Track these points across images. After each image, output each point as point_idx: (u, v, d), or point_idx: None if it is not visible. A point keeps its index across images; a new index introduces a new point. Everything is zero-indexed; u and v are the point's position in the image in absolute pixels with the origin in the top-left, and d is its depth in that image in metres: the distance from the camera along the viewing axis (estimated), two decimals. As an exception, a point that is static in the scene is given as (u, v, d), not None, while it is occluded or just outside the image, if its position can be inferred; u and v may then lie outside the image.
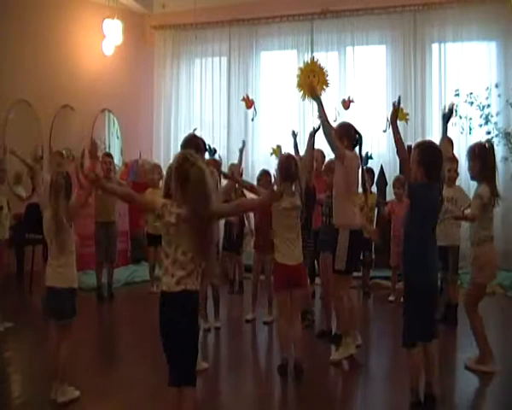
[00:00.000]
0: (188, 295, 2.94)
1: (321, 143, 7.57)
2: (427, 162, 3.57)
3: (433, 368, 3.66)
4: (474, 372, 4.37)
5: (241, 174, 6.30)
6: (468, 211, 4.66)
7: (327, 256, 5.20)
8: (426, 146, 3.79)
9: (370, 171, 7.30)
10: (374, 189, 7.84)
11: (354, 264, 4.81)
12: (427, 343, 3.62)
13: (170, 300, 2.95)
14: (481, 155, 4.34)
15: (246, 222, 7.29)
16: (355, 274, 5.41)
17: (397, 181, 6.92)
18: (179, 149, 4.47)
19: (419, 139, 8.50)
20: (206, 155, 5.46)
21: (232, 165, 7.03)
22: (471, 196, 4.69)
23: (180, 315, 2.94)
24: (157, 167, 7.53)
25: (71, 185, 3.93)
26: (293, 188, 4.40)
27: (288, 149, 9.00)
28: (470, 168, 4.43)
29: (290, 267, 4.32)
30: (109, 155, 7.28)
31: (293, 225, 4.36)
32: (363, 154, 4.97)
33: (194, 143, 4.42)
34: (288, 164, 4.39)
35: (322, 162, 6.23)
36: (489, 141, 4.56)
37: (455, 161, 5.66)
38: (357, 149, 4.70)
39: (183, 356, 3.00)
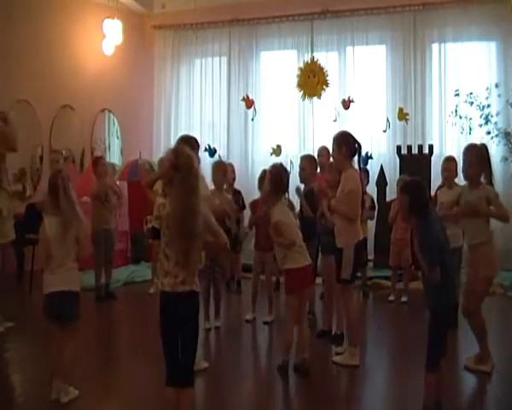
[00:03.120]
0: (195, 296, 3.03)
1: (324, 141, 7.62)
2: (418, 206, 3.48)
3: (444, 389, 3.55)
4: (473, 372, 4.37)
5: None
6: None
7: (328, 260, 5.21)
8: (414, 191, 3.55)
9: (365, 171, 7.29)
10: (374, 189, 7.86)
11: (357, 272, 4.87)
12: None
13: (176, 300, 2.98)
14: (486, 158, 4.37)
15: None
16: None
17: (400, 181, 6.91)
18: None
19: (419, 139, 8.55)
20: (207, 155, 5.51)
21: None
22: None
23: (188, 314, 3.02)
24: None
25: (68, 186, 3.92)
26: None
27: (287, 149, 9.13)
28: (468, 170, 4.42)
29: (307, 267, 4.40)
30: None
31: (297, 229, 4.41)
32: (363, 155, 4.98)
33: (188, 144, 4.45)
34: (279, 175, 4.46)
35: (327, 158, 6.21)
36: (484, 144, 4.58)
37: (453, 160, 5.64)
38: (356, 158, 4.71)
39: (185, 355, 3.03)
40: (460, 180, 5.68)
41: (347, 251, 4.56)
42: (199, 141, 4.87)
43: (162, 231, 3.03)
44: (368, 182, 7.30)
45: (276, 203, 4.45)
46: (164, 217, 3.00)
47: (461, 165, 4.56)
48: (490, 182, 4.38)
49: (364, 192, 6.65)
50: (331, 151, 4.81)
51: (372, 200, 7.14)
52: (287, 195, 4.76)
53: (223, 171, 5.82)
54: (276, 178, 4.45)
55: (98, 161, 7.13)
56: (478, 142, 8.26)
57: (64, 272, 3.83)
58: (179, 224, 2.92)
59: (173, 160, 2.99)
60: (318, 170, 6.39)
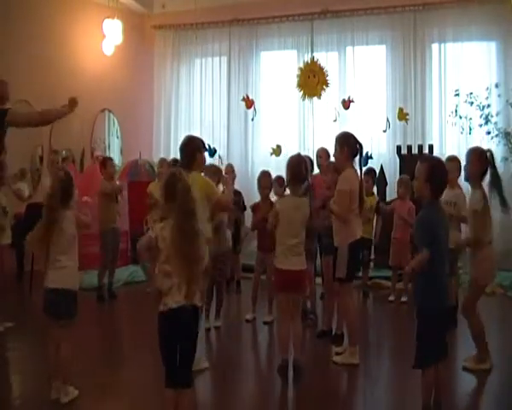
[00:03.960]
0: (196, 311, 3.07)
1: (324, 140, 7.63)
2: (435, 181, 3.42)
3: (444, 389, 3.55)
4: (473, 372, 4.35)
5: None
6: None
7: (328, 260, 5.20)
8: (435, 164, 3.56)
9: (371, 171, 7.27)
10: (374, 189, 7.85)
11: (354, 271, 4.86)
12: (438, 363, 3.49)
13: (179, 314, 3.00)
14: (487, 162, 4.34)
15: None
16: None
17: (400, 181, 6.91)
18: (178, 150, 4.49)
19: (419, 139, 8.55)
20: (207, 155, 5.49)
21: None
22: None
23: (190, 328, 3.06)
24: (164, 161, 7.57)
25: (70, 186, 3.91)
26: (302, 189, 4.44)
27: (287, 149, 9.12)
28: (467, 169, 4.44)
29: (290, 273, 4.29)
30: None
31: (297, 231, 4.32)
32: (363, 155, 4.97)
33: (194, 145, 4.44)
34: (298, 164, 4.41)
35: (326, 159, 6.20)
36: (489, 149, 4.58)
37: (453, 161, 5.63)
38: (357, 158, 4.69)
39: (183, 364, 3.06)
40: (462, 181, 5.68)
41: (341, 250, 4.59)
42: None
43: (162, 253, 3.03)
44: (374, 183, 7.28)
45: (286, 194, 4.47)
46: (163, 238, 3.02)
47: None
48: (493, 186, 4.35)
49: (369, 193, 6.67)
50: (333, 151, 4.81)
51: (378, 203, 7.08)
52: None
53: (212, 172, 5.69)
54: (293, 169, 4.40)
55: (108, 162, 7.17)
56: (478, 142, 8.35)
57: (56, 270, 3.80)
58: (179, 249, 2.97)
59: (171, 185, 3.06)
60: (317, 171, 6.38)
